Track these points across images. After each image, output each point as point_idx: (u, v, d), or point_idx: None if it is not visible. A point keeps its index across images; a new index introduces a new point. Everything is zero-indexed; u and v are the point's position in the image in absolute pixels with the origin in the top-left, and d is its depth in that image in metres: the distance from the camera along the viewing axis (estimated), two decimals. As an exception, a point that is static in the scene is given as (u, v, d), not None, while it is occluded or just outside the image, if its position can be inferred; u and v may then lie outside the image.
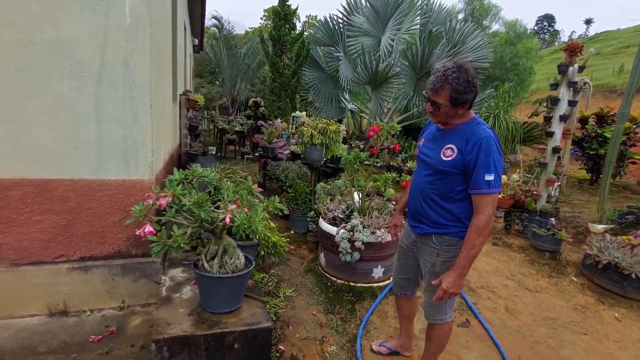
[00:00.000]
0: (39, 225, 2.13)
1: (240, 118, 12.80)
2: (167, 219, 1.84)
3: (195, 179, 1.90)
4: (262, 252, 2.66)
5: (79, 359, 1.93)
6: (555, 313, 3.19)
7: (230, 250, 2.03)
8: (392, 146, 3.15)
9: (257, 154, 5.02)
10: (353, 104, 10.69)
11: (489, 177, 1.62)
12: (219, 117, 12.19)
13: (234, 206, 1.73)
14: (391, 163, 7.34)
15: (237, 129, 9.92)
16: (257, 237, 2.54)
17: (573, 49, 4.21)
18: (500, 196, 4.53)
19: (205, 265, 1.99)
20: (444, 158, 1.74)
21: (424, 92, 1.83)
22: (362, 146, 9.75)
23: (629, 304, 3.33)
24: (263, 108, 10.16)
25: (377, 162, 7.24)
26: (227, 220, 1.67)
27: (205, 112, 13.53)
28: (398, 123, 9.76)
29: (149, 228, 1.70)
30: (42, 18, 1.94)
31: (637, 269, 3.28)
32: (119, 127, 2.16)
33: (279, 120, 7.01)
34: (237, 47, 13.46)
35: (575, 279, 3.78)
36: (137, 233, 1.72)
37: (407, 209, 2.11)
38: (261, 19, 25.61)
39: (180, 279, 2.40)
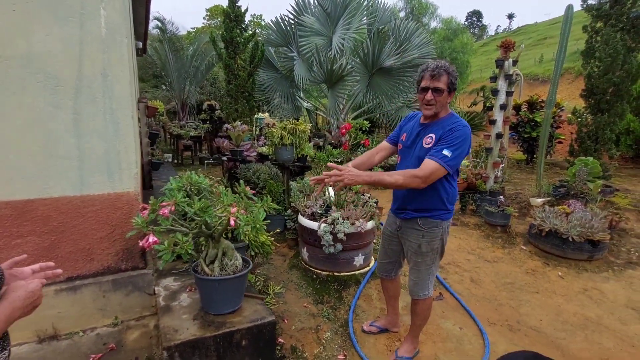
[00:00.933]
0: (19, 249, 2.03)
1: (192, 122, 12.40)
2: (167, 227, 1.87)
3: (190, 187, 1.94)
4: (252, 253, 2.74)
5: (84, 379, 1.90)
6: (511, 278, 3.65)
7: (229, 253, 2.10)
8: (362, 141, 3.36)
9: (224, 158, 5.00)
10: (308, 102, 10.87)
11: (447, 153, 1.84)
12: (169, 122, 11.72)
13: (234, 209, 1.81)
14: (351, 157, 7.64)
15: (192, 134, 9.65)
16: (247, 238, 2.62)
17: (507, 45, 4.76)
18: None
19: (206, 269, 2.05)
20: (425, 146, 1.97)
21: (418, 86, 2.00)
22: (321, 143, 9.98)
23: (569, 263, 3.90)
24: (219, 111, 9.97)
25: (338, 158, 7.53)
26: (232, 222, 1.75)
27: (153, 118, 12.88)
28: (353, 119, 10.13)
29: (152, 238, 1.73)
30: (12, 32, 1.86)
31: (572, 233, 3.85)
32: (101, 141, 2.12)
33: (238, 122, 6.97)
34: (183, 49, 12.96)
35: (524, 247, 4.31)
36: (141, 244, 1.74)
37: (393, 198, 2.32)
38: (204, 18, 24.74)
39: (175, 288, 2.41)
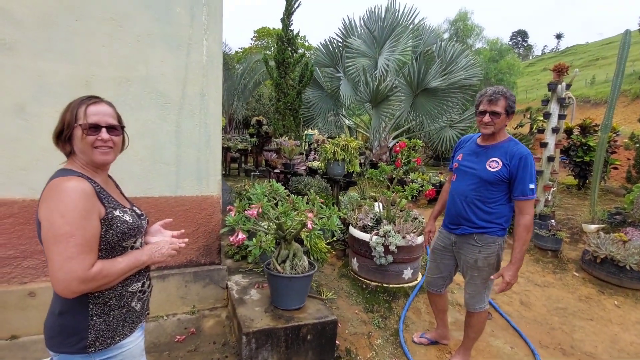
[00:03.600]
0: (124, 239, 2.39)
1: (237, 136, 13.09)
2: (249, 227, 2.14)
3: (271, 193, 2.22)
4: (312, 258, 2.97)
5: (173, 356, 2.18)
6: (563, 304, 3.58)
7: (298, 254, 2.34)
8: (414, 159, 3.53)
9: (276, 170, 5.34)
10: (350, 119, 11.19)
11: (532, 186, 2.05)
12: (218, 135, 12.47)
13: (311, 214, 2.05)
14: (393, 176, 7.74)
15: (239, 147, 10.22)
16: (309, 244, 2.85)
17: (560, 69, 4.77)
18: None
19: (278, 267, 2.29)
20: (490, 169, 2.11)
21: (477, 109, 2.18)
22: (362, 160, 10.18)
23: (626, 293, 3.76)
24: (266, 126, 10.52)
25: (379, 175, 7.67)
26: (310, 226, 1.99)
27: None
28: (395, 137, 10.28)
29: (241, 235, 2.00)
30: (135, 58, 2.27)
31: (630, 261, 3.73)
32: (194, 150, 2.47)
33: (285, 137, 7.37)
34: (234, 67, 13.88)
35: (576, 274, 4.20)
36: (231, 240, 2.02)
37: (445, 214, 2.46)
38: (251, 39, 26.27)
39: (244, 284, 2.69)
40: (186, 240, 1.37)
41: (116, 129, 1.21)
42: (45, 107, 2.16)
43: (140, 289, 1.26)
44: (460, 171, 2.30)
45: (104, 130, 1.17)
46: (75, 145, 1.16)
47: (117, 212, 1.17)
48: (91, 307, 1.12)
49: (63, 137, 1.15)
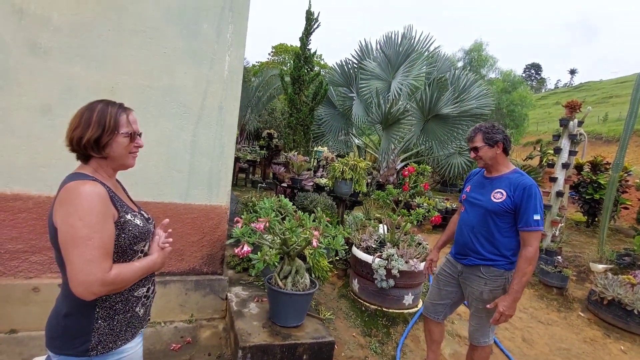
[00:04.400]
0: (131, 242, 2.43)
1: (247, 147, 13.25)
2: (254, 240, 2.17)
3: (280, 208, 2.25)
4: (314, 275, 2.96)
5: (168, 363, 2.17)
6: (567, 344, 3.49)
7: (300, 271, 2.34)
8: (422, 184, 3.55)
9: (283, 184, 5.39)
10: (359, 139, 11.28)
11: (537, 217, 2.02)
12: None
13: (317, 232, 2.07)
14: (399, 198, 7.74)
15: (249, 158, 10.33)
16: (312, 261, 2.85)
17: (573, 106, 4.80)
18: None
19: (279, 283, 2.29)
20: (494, 200, 2.12)
21: (468, 149, 2.28)
22: (369, 180, 10.20)
23: (632, 338, 3.65)
24: (276, 139, 10.66)
25: (385, 197, 7.64)
26: (315, 243, 2.00)
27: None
28: (403, 160, 10.32)
29: (246, 247, 2.02)
30: (160, 69, 2.36)
31: (638, 305, 3.63)
32: (208, 160, 2.53)
33: (294, 152, 7.45)
34: (250, 80, 14.18)
35: (582, 314, 4.10)
36: (236, 252, 2.04)
37: (454, 243, 2.45)
38: (269, 54, 26.86)
39: (244, 296, 2.68)
40: (170, 240, 1.34)
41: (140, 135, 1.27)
42: (71, 109, 2.21)
43: (145, 294, 1.26)
44: (468, 202, 2.31)
45: (138, 137, 1.24)
46: (112, 151, 1.17)
47: (128, 216, 1.19)
48: (97, 310, 1.13)
49: (102, 143, 1.15)
